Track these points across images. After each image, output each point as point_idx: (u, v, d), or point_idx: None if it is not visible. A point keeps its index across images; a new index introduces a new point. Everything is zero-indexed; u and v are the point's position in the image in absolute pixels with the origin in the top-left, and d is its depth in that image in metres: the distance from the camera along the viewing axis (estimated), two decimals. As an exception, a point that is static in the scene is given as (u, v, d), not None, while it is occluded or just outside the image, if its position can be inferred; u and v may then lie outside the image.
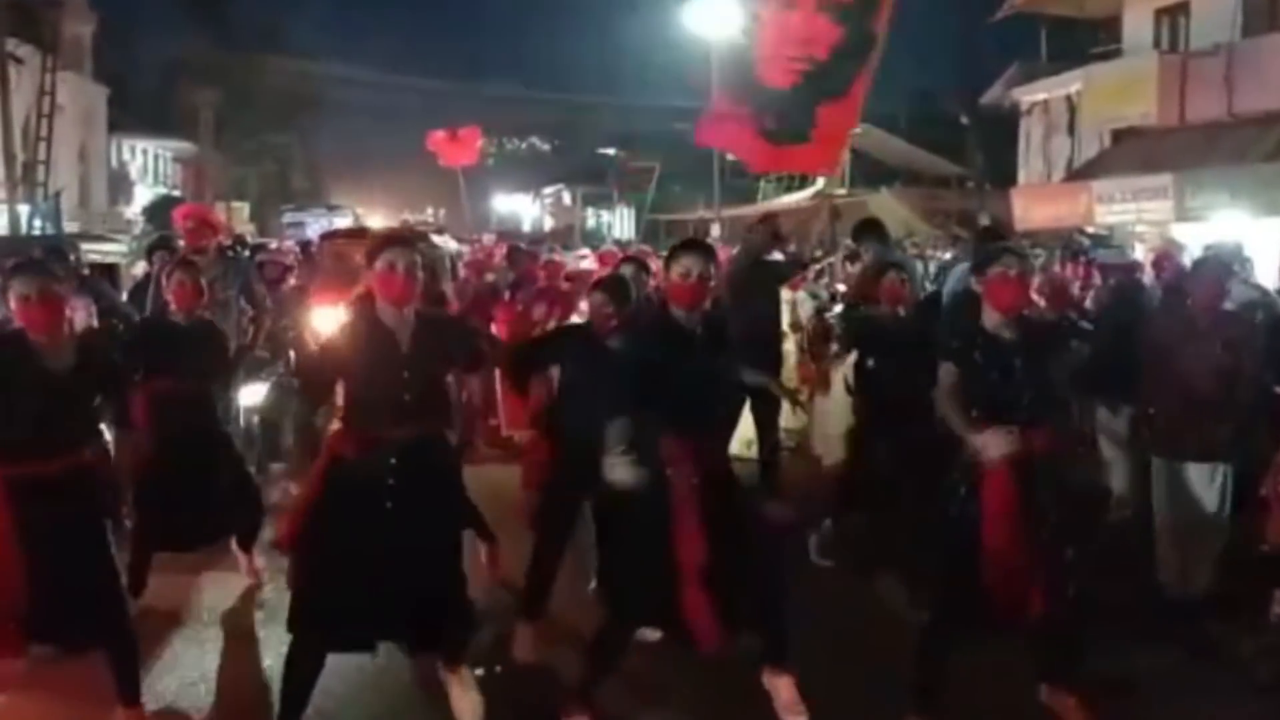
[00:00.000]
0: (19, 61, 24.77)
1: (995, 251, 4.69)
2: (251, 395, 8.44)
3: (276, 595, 6.43)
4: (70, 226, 26.21)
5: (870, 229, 8.78)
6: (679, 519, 4.39)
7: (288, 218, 37.18)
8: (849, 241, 10.44)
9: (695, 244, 4.93)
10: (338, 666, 5.14)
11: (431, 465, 4.50)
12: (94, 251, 9.82)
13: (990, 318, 4.57)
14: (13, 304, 4.33)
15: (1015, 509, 4.36)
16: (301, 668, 4.52)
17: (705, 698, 5.09)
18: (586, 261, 15.19)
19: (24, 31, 26.16)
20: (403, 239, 4.56)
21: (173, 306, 6.38)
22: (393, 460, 4.37)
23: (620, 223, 53.96)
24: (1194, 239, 12.03)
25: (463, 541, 4.86)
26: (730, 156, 31.37)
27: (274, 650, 5.68)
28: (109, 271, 9.85)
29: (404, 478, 4.39)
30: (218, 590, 6.56)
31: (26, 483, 4.27)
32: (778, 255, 9.27)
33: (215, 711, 5.03)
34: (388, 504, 4.37)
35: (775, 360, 8.53)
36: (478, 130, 21.04)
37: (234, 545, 6.72)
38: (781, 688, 4.68)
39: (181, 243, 8.33)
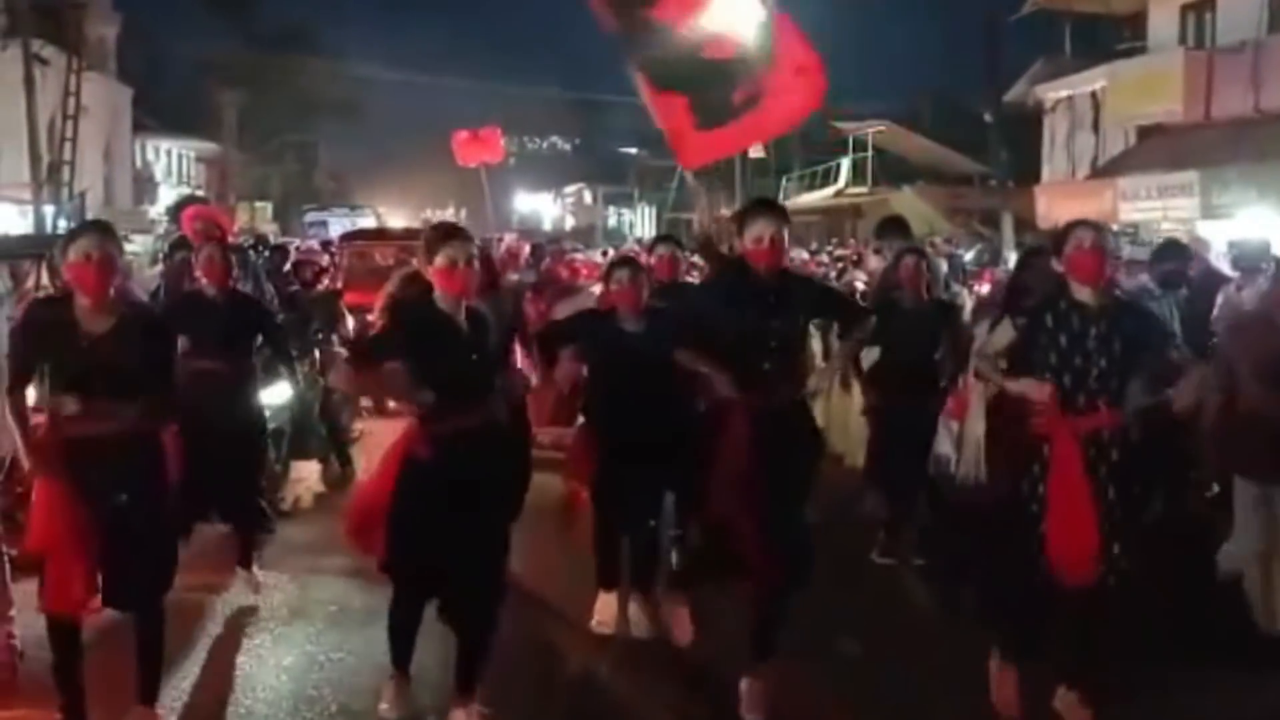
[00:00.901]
0: (44, 63, 24.94)
1: (1067, 227, 4.70)
2: (276, 394, 8.46)
3: (302, 594, 6.47)
4: (95, 226, 26.36)
5: (893, 226, 8.76)
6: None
7: (310, 217, 37.31)
8: (873, 240, 10.44)
9: (766, 205, 5.02)
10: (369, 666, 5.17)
11: (497, 451, 4.66)
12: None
13: (1078, 291, 4.58)
14: (71, 261, 4.37)
15: (1082, 481, 4.42)
16: (399, 615, 4.81)
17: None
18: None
19: (49, 33, 26.32)
20: (460, 233, 4.61)
21: (204, 282, 6.49)
22: (461, 446, 4.48)
23: (641, 221, 53.97)
24: (1219, 236, 11.95)
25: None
26: (752, 154, 31.53)
27: (299, 647, 5.71)
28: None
29: (472, 463, 4.50)
30: (243, 587, 6.53)
31: (83, 443, 4.32)
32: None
33: (239, 707, 5.04)
34: (460, 482, 4.50)
35: None
36: (499, 130, 20.98)
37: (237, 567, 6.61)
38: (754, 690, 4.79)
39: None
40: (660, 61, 8.03)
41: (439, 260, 4.48)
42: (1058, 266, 4.64)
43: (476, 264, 4.56)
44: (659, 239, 8.32)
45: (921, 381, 6.90)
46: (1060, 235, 4.70)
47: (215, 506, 6.49)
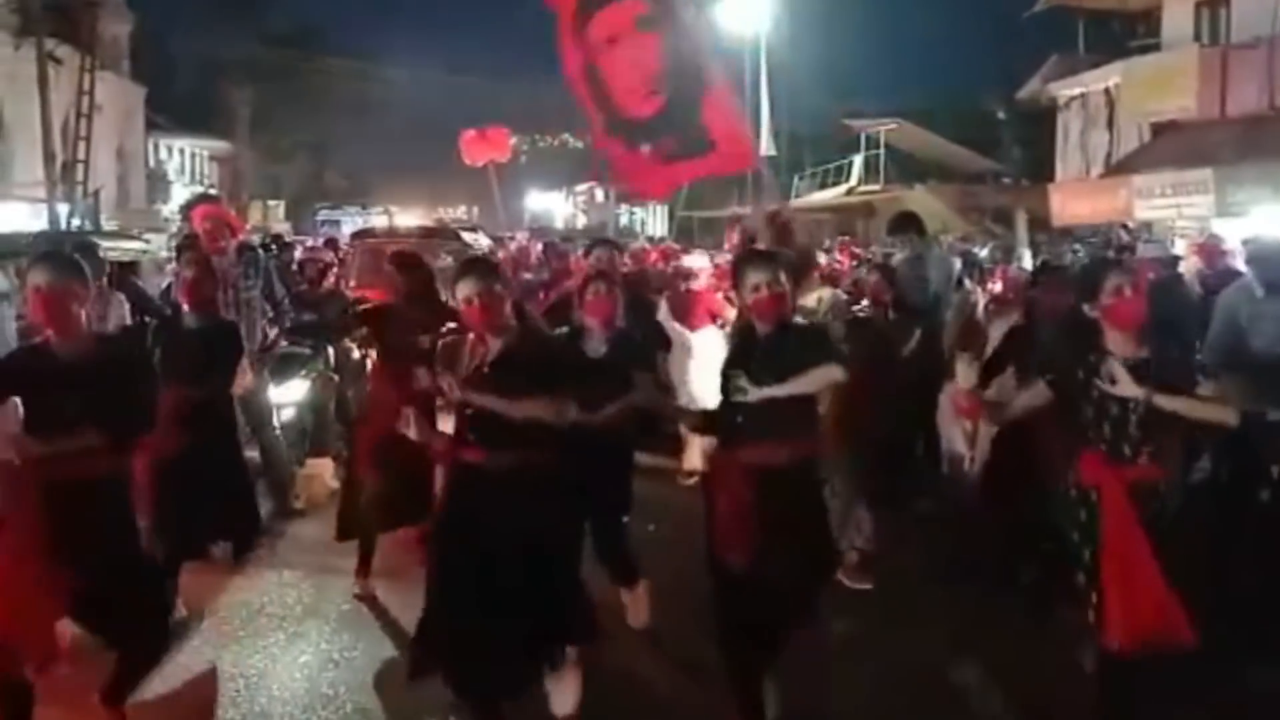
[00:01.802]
0: (58, 62, 25.03)
1: (1097, 269, 4.55)
2: (291, 391, 8.47)
3: (316, 592, 6.47)
4: (108, 225, 26.52)
5: (907, 223, 8.73)
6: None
7: (322, 215, 37.40)
8: (886, 237, 10.40)
9: (758, 256, 4.93)
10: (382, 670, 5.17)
11: (528, 490, 4.48)
12: (114, 249, 9.80)
13: (1114, 340, 4.39)
14: (30, 294, 4.30)
15: (1139, 533, 4.22)
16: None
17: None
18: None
19: (62, 32, 26.41)
20: (471, 270, 4.60)
21: (184, 306, 6.28)
22: (486, 485, 4.45)
23: (653, 220, 53.89)
24: (1234, 234, 11.88)
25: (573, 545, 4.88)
26: (764, 152, 31.46)
27: (313, 645, 5.71)
28: (130, 269, 9.81)
29: (496, 502, 4.44)
30: (256, 586, 6.57)
31: (58, 484, 4.14)
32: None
33: (254, 706, 5.04)
34: (487, 527, 4.43)
35: None
36: (506, 129, 21.04)
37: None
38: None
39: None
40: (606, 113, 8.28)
41: (459, 298, 4.54)
42: (1090, 312, 4.45)
43: (497, 293, 4.52)
44: (599, 242, 8.13)
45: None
46: (1092, 277, 4.50)
47: (212, 533, 6.26)
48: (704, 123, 8.23)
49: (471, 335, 4.66)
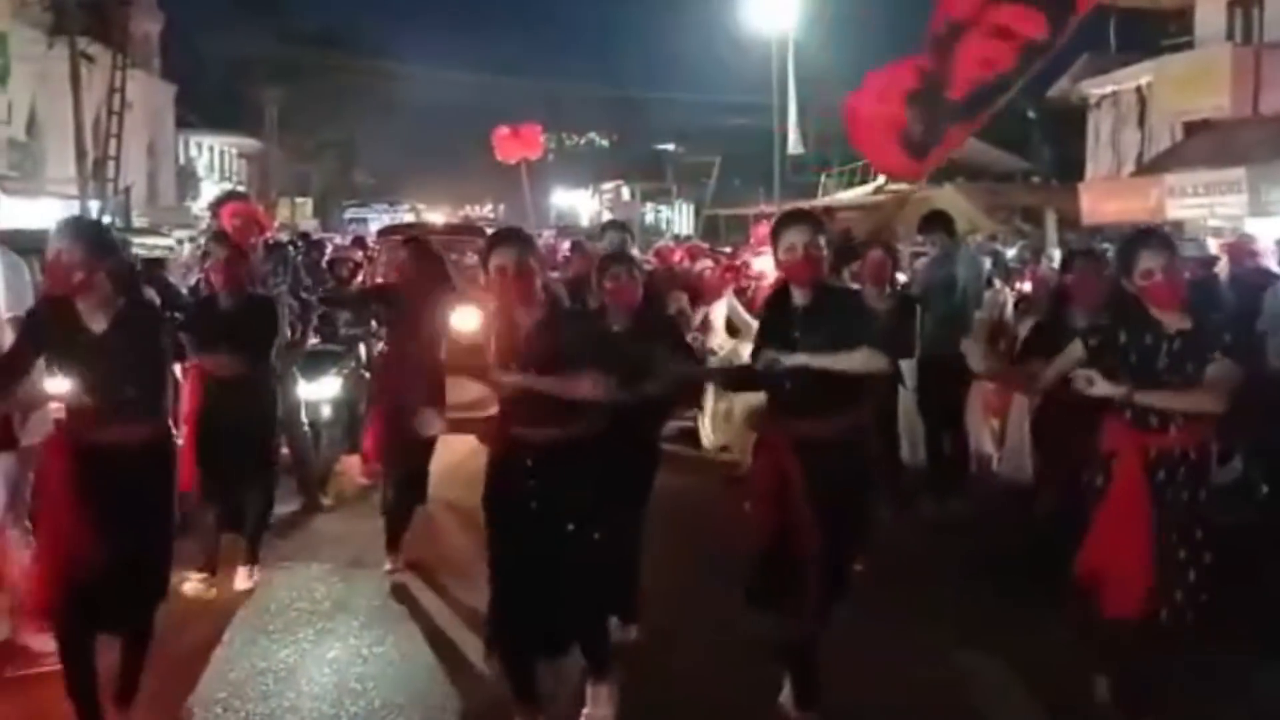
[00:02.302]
0: (90, 60, 25.22)
1: (1132, 243, 4.48)
2: (322, 388, 8.50)
3: (345, 587, 6.49)
4: (139, 221, 26.70)
5: (937, 221, 8.69)
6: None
7: (350, 213, 37.59)
8: (918, 235, 10.34)
9: (799, 215, 4.78)
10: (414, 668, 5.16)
11: (572, 466, 4.40)
12: (140, 246, 9.87)
13: (1157, 312, 4.36)
14: (53, 269, 4.31)
15: (1141, 502, 4.25)
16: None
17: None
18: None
19: (94, 31, 26.60)
20: (507, 237, 4.44)
21: (217, 288, 6.42)
22: (529, 462, 4.38)
23: (679, 217, 53.91)
24: (1268, 234, 11.77)
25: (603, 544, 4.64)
26: (791, 150, 31.39)
27: (342, 640, 5.72)
28: (157, 266, 9.88)
29: (544, 478, 4.36)
30: (286, 581, 6.57)
31: (88, 447, 4.26)
32: None
33: (283, 700, 5.05)
34: (531, 504, 4.36)
35: None
36: (539, 126, 21.14)
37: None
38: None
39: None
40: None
41: (491, 269, 4.34)
42: (1128, 286, 4.42)
43: (533, 265, 4.34)
44: (610, 224, 8.14)
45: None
46: (1126, 253, 4.45)
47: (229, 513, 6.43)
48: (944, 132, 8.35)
49: (495, 310, 4.50)
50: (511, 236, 4.49)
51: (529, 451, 4.39)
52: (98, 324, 4.32)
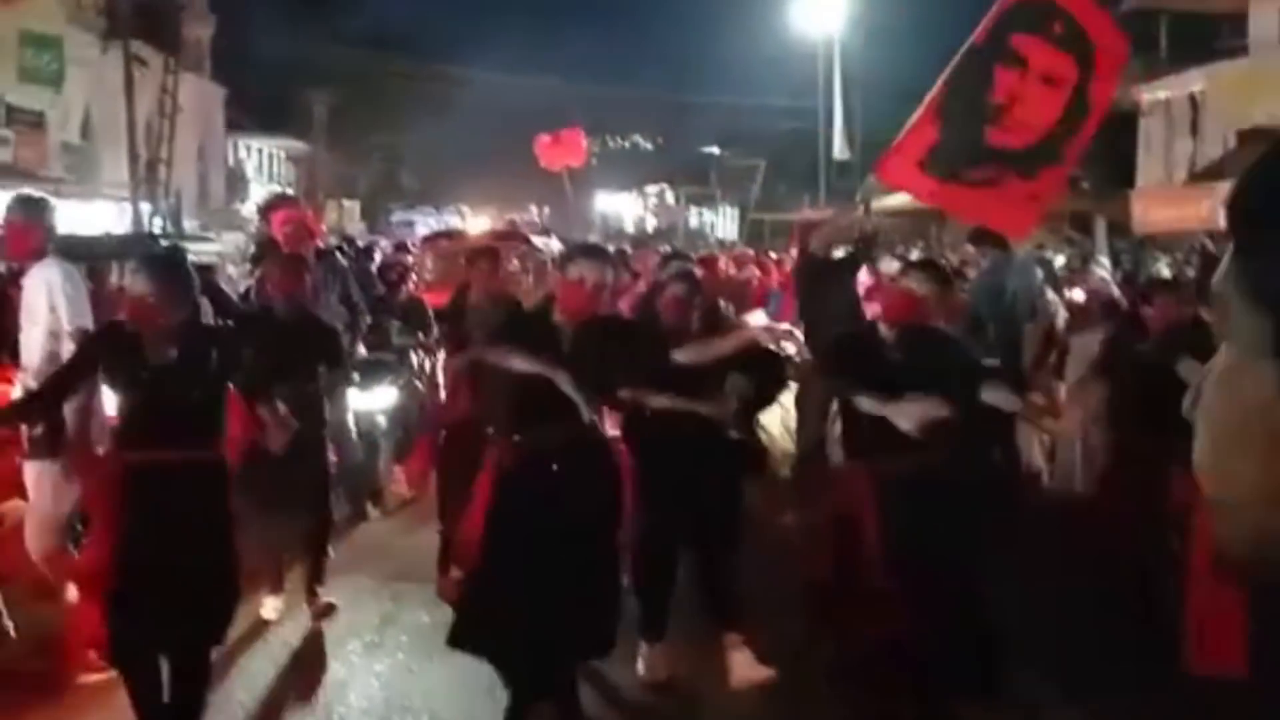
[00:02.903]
0: (143, 64, 25.52)
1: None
2: (375, 399, 8.50)
3: (394, 602, 6.50)
4: (189, 224, 26.99)
5: (987, 233, 8.61)
6: None
7: (397, 217, 37.80)
8: (967, 246, 10.23)
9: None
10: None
11: (591, 467, 4.49)
12: (189, 252, 9.93)
13: None
14: (126, 300, 4.36)
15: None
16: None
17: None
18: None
19: (147, 34, 26.89)
20: (597, 251, 4.61)
21: (274, 295, 6.39)
22: (554, 467, 4.42)
23: (723, 222, 53.82)
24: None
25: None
26: (837, 155, 31.21)
27: (390, 656, 5.74)
28: (207, 272, 9.92)
29: (567, 480, 4.42)
30: (333, 595, 6.54)
31: (146, 470, 4.24)
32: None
33: (331, 715, 5.07)
34: (555, 510, 4.39)
35: None
36: (580, 131, 21.16)
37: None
38: None
39: None
40: (955, 97, 8.09)
41: (569, 272, 4.47)
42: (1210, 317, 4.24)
43: (608, 284, 4.51)
44: (671, 256, 8.09)
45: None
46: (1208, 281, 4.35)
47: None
48: (1039, 177, 8.16)
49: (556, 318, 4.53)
50: (595, 251, 4.70)
51: (550, 456, 4.42)
52: (162, 354, 4.31)
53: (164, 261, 4.56)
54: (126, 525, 4.20)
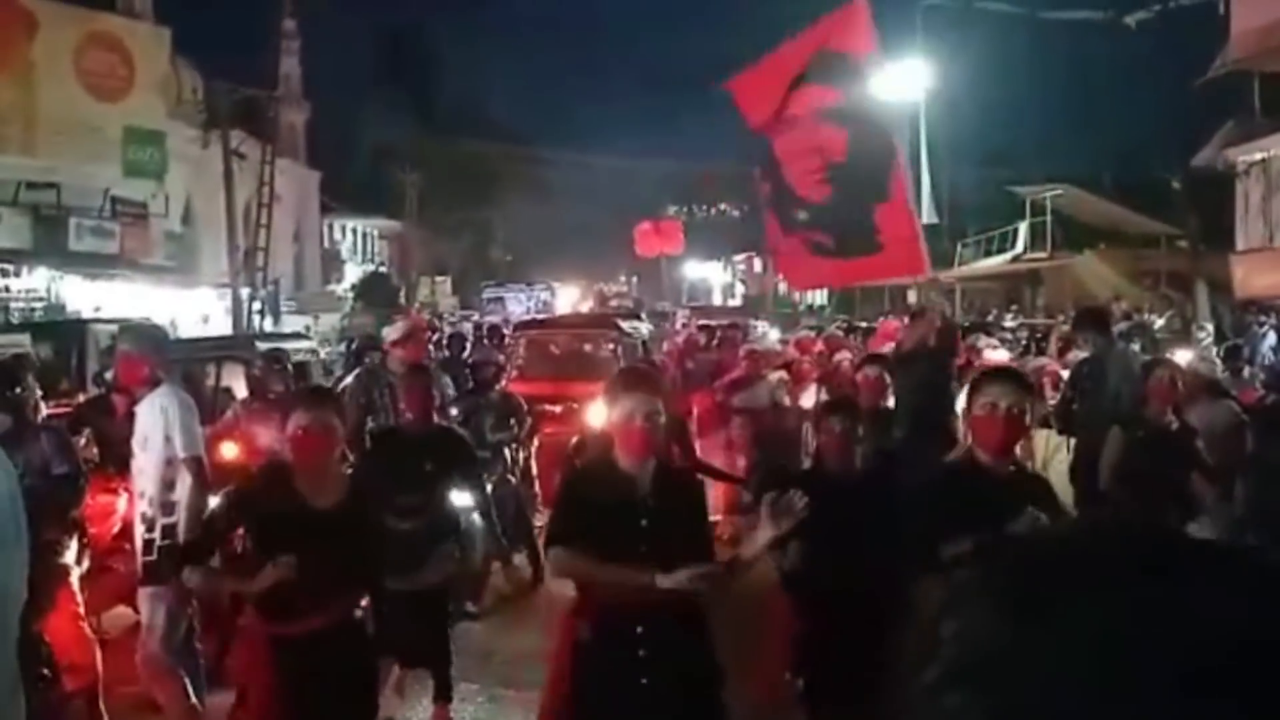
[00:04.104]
0: (242, 157, 26.42)
1: None
2: (469, 496, 8.57)
3: (493, 706, 6.47)
4: (286, 306, 27.70)
5: (1091, 320, 8.46)
6: None
7: (488, 293, 38.30)
8: (1065, 328, 10.03)
9: (1005, 374, 4.37)
10: None
11: (682, 634, 3.80)
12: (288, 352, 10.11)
13: None
14: (291, 433, 4.05)
15: None
16: None
17: None
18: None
19: (245, 123, 27.86)
20: (637, 385, 3.93)
21: (407, 415, 6.45)
22: (639, 629, 3.75)
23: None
24: None
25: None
26: (924, 219, 31.02)
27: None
28: (299, 370, 9.99)
29: (655, 648, 3.76)
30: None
31: (293, 641, 3.94)
32: None
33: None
34: (643, 679, 3.76)
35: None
36: (679, 224, 21.53)
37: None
38: None
39: None
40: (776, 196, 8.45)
41: (617, 412, 3.82)
42: None
43: (661, 419, 3.85)
44: (870, 359, 7.97)
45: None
46: None
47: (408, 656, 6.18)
48: (876, 223, 8.24)
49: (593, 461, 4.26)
50: (644, 382, 4.04)
51: (632, 620, 3.77)
52: (321, 499, 4.03)
53: (320, 393, 4.57)
54: (282, 698, 3.97)
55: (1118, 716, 0.60)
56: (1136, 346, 11.91)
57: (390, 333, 8.22)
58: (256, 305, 24.92)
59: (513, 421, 9.15)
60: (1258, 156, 24.05)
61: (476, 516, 8.58)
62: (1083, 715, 0.61)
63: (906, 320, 8.50)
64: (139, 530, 5.41)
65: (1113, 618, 0.63)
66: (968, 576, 0.72)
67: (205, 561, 4.19)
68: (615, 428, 3.85)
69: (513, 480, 9.03)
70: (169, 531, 5.25)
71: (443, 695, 6.22)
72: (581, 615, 3.90)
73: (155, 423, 5.27)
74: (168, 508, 5.31)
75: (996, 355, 10.09)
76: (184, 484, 5.29)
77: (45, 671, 5.16)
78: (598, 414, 6.57)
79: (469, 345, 14.26)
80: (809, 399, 9.34)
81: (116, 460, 6.02)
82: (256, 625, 4.08)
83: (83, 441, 6.39)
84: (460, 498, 8.41)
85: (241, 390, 9.17)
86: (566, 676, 3.93)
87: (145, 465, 5.32)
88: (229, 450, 7.28)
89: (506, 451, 9.14)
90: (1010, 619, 0.66)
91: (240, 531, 4.20)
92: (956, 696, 0.65)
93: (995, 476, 3.89)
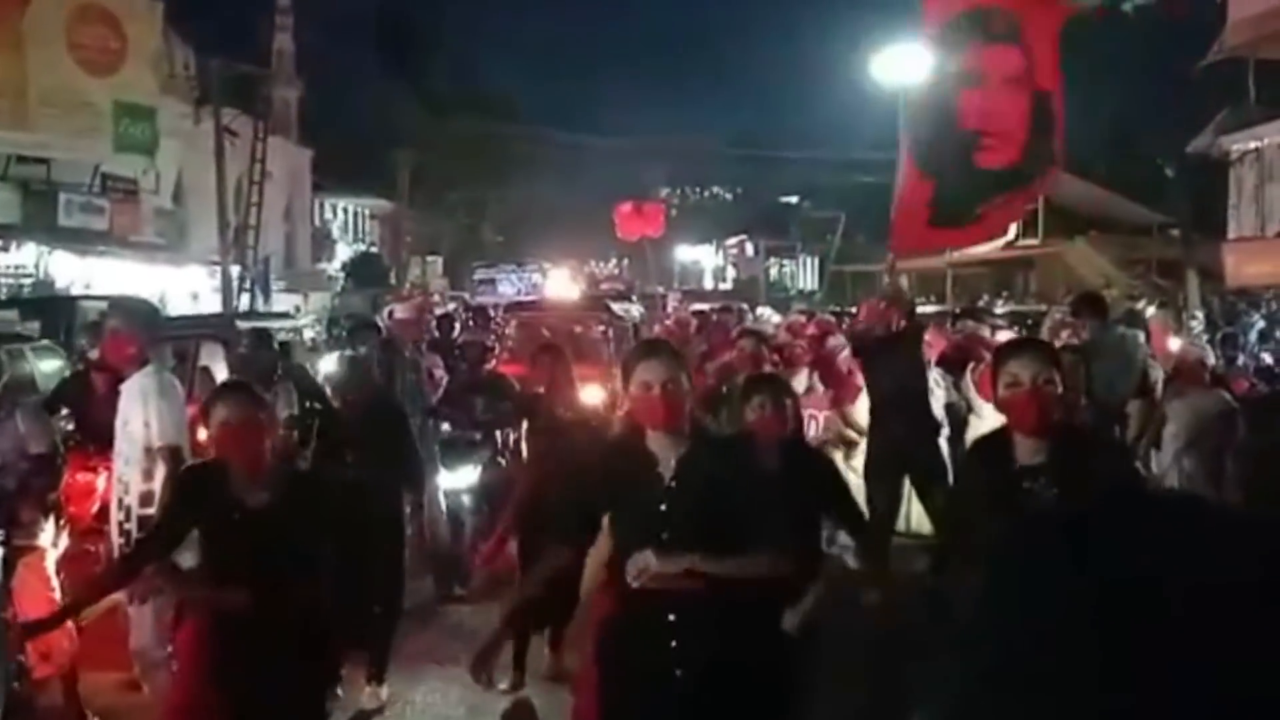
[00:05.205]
0: (234, 135, 26.23)
1: None
2: (461, 477, 8.53)
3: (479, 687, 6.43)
4: (276, 285, 27.57)
5: (1090, 305, 8.45)
6: None
7: (479, 274, 38.08)
8: (1067, 311, 9.95)
9: (1029, 344, 4.20)
10: None
11: (720, 622, 3.41)
12: (271, 331, 10.05)
13: None
14: (213, 429, 3.98)
15: None
16: None
17: None
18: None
19: (237, 100, 27.66)
20: (655, 353, 3.68)
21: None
22: (671, 617, 3.45)
23: (803, 273, 53.63)
24: None
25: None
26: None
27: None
28: (282, 349, 9.93)
29: (689, 638, 3.44)
30: (419, 680, 6.52)
31: (232, 629, 3.88)
32: None
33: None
34: (676, 671, 3.45)
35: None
36: (661, 206, 21.41)
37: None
38: None
39: None
40: (927, 146, 8.19)
41: (633, 385, 3.57)
42: None
43: (685, 385, 3.58)
44: (744, 332, 8.05)
45: None
46: None
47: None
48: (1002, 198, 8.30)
49: (621, 436, 4.17)
50: (662, 350, 3.76)
51: (664, 607, 3.46)
52: (254, 497, 3.95)
53: (239, 386, 4.35)
54: (217, 685, 3.93)
55: None
56: (1141, 336, 11.74)
57: (400, 311, 8.18)
58: (245, 283, 24.80)
59: (503, 404, 9.11)
60: (1252, 145, 24.03)
61: (466, 498, 8.57)
62: None
63: (883, 305, 8.41)
64: (115, 514, 5.31)
65: None
66: None
67: (158, 560, 4.09)
68: (635, 401, 3.63)
69: (503, 462, 8.98)
70: (145, 524, 5.06)
71: (376, 677, 6.21)
72: (611, 596, 3.66)
73: (135, 406, 5.17)
74: (145, 498, 5.20)
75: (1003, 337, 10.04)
76: (161, 474, 5.18)
77: (20, 657, 5.09)
78: (592, 395, 6.51)
79: (457, 326, 14.17)
80: (801, 383, 9.27)
81: (96, 439, 5.94)
82: (198, 617, 4.10)
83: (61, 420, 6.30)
84: (453, 479, 8.40)
85: (222, 371, 9.10)
86: (599, 662, 3.76)
87: (125, 449, 5.22)
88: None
89: (497, 433, 9.09)
90: None
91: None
92: None
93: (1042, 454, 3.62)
